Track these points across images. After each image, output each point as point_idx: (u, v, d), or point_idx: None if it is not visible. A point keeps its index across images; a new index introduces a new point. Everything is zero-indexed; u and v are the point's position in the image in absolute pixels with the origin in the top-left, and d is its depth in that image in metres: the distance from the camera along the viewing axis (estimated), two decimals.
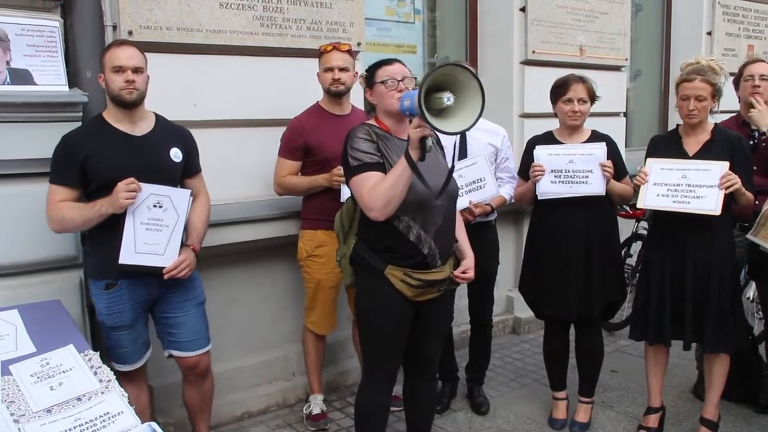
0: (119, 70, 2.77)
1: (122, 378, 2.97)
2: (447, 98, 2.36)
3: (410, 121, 2.52)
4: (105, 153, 2.78)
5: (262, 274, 3.97)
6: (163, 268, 2.84)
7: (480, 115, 2.37)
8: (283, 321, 4.10)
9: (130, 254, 2.77)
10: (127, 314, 2.88)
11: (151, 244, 2.80)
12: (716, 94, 3.29)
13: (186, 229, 2.94)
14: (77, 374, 2.27)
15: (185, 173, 3.03)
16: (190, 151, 3.06)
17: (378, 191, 2.53)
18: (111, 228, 2.75)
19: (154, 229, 2.80)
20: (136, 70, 2.80)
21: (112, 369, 2.93)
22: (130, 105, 2.83)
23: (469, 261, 2.90)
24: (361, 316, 2.86)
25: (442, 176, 2.69)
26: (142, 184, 2.73)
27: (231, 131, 3.64)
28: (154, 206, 2.79)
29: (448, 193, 2.71)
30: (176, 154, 2.96)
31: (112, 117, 2.86)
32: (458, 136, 3.52)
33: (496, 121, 4.05)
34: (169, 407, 3.58)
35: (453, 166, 2.75)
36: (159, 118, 2.98)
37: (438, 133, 2.51)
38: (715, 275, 3.28)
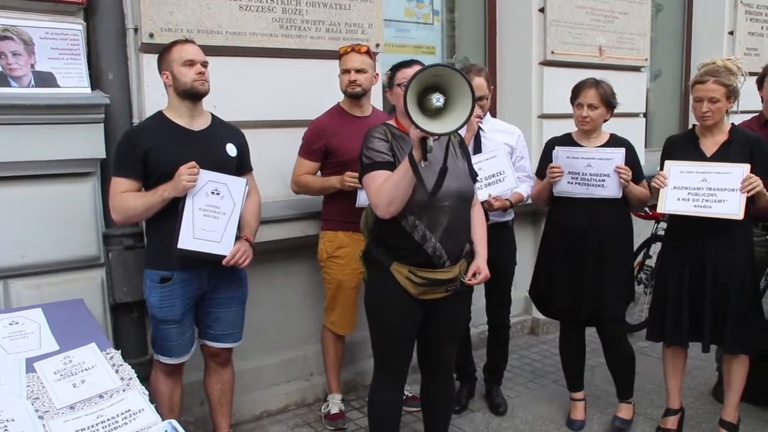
0: (191, 63, 2.90)
1: (162, 371, 3.08)
2: (436, 99, 2.37)
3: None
4: (165, 146, 2.89)
5: (281, 274, 4.00)
6: (219, 255, 2.90)
7: (468, 118, 2.35)
8: (301, 321, 4.12)
9: (188, 239, 2.82)
10: (177, 309, 2.96)
11: (208, 231, 2.86)
12: (731, 94, 3.24)
13: (239, 223, 3.01)
14: (99, 372, 2.30)
15: (238, 170, 3.11)
16: (243, 149, 3.15)
17: (383, 189, 2.58)
18: (168, 219, 2.83)
19: (212, 216, 2.88)
20: (204, 64, 2.95)
21: (157, 361, 3.04)
22: (201, 96, 2.96)
23: (478, 260, 2.87)
24: (370, 312, 2.89)
25: (460, 179, 2.73)
26: (201, 171, 2.82)
27: (250, 132, 3.65)
28: (212, 193, 2.88)
29: (459, 195, 2.72)
30: (231, 150, 3.07)
31: (173, 113, 2.98)
32: (473, 136, 3.57)
33: (514, 122, 4.06)
34: (189, 405, 3.61)
35: (446, 168, 2.59)
36: (214, 117, 3.11)
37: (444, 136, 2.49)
38: (735, 275, 3.25)
